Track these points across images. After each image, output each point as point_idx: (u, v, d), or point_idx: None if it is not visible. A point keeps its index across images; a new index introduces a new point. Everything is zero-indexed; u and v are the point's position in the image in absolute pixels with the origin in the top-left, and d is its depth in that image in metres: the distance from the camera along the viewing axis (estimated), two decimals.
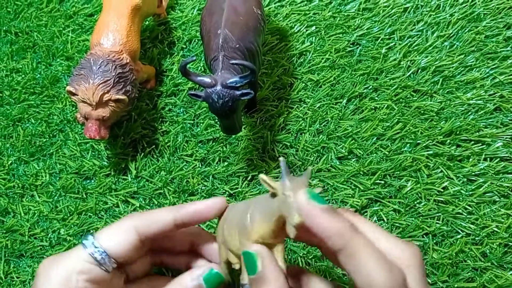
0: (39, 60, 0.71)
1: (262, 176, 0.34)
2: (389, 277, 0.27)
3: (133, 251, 0.41)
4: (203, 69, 0.67)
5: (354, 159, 0.61)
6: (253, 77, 0.49)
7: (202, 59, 0.68)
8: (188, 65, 0.65)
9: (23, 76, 0.70)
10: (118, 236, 0.41)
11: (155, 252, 0.47)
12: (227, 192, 0.60)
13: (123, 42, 0.58)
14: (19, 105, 0.68)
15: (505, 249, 0.54)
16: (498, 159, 0.59)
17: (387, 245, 0.32)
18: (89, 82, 0.54)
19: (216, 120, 0.64)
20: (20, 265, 0.58)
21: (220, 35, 0.52)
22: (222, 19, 0.53)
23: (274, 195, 0.34)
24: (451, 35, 0.68)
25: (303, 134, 0.62)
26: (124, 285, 0.44)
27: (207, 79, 0.50)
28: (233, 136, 0.63)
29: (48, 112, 0.67)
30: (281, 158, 0.34)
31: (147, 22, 0.72)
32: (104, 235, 0.41)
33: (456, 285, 0.53)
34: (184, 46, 0.70)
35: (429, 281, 0.53)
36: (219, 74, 0.50)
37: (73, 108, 0.67)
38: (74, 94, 0.55)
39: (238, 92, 0.49)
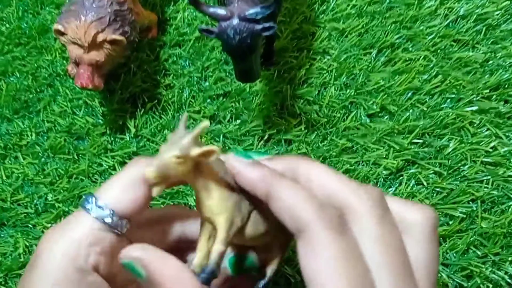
0: (26, 8, 0.63)
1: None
2: (318, 212, 0.24)
3: (145, 204, 0.32)
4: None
5: (387, 116, 0.53)
6: (276, 7, 0.41)
7: None
8: None
9: (7, 25, 0.62)
10: (125, 190, 0.31)
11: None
12: None
13: None
14: (2, 57, 0.60)
15: None
16: None
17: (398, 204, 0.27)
18: (81, 19, 0.46)
19: (227, 73, 0.56)
20: (1, 235, 0.50)
21: None
22: None
23: None
24: None
25: (327, 88, 0.54)
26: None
27: (221, 11, 0.41)
28: (248, 90, 0.55)
29: (36, 65, 0.59)
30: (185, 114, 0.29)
31: None
32: (108, 193, 0.31)
33: (510, 258, 0.45)
34: None
35: (479, 253, 0.46)
36: (236, 5, 0.42)
37: (64, 61, 0.59)
38: (62, 34, 0.46)
39: (258, 26, 0.41)
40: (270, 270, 0.32)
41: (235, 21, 0.41)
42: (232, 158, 0.28)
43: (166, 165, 0.27)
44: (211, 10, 0.42)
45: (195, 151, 0.26)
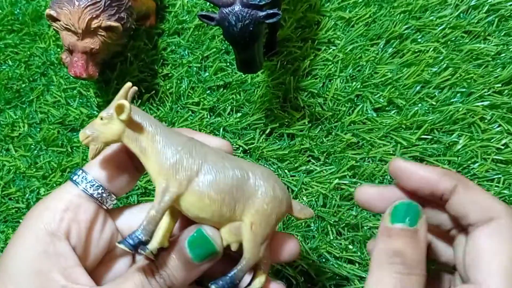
0: None
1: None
2: (506, 208, 0.27)
3: (133, 183, 0.33)
4: None
5: (394, 111, 0.50)
6: None
7: None
8: None
9: None
10: (115, 165, 0.32)
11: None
12: (241, 148, 0.50)
13: None
14: None
15: None
16: None
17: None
18: (74, 4, 0.43)
19: (228, 63, 0.54)
20: None
21: None
22: None
23: None
24: None
25: (332, 80, 0.52)
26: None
27: None
28: (249, 81, 0.52)
29: (29, 52, 0.56)
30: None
31: None
32: (97, 168, 0.31)
33: None
34: None
35: None
36: None
37: (58, 49, 0.56)
38: (55, 20, 0.44)
39: (261, 13, 0.39)
40: (258, 282, 0.30)
41: (237, 7, 0.39)
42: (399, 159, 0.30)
43: (93, 126, 0.28)
44: None
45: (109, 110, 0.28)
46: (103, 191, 0.31)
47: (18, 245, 0.29)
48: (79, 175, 0.31)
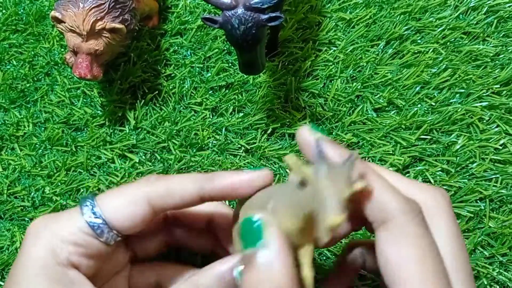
0: None
1: (289, 157, 0.27)
2: (404, 205, 0.25)
3: (142, 225, 0.31)
4: None
5: (394, 111, 0.51)
6: None
7: None
8: None
9: (3, 11, 0.60)
10: (126, 205, 0.30)
11: (169, 225, 0.37)
12: (243, 147, 0.50)
13: None
14: None
15: None
16: None
17: (408, 186, 0.27)
18: (79, 6, 0.44)
19: (230, 64, 0.54)
20: None
21: None
22: None
23: (303, 183, 0.25)
24: None
25: (333, 80, 0.53)
26: (129, 263, 0.35)
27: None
28: (251, 81, 0.53)
29: (33, 52, 0.57)
30: (319, 137, 0.28)
31: None
32: (109, 201, 0.30)
33: None
34: None
35: (486, 253, 0.45)
36: None
37: (62, 49, 0.57)
38: (60, 21, 0.45)
39: (264, 16, 0.40)
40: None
41: (240, 10, 0.39)
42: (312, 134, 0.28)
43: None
44: None
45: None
46: (107, 229, 0.29)
47: (24, 272, 0.28)
48: (88, 205, 0.30)
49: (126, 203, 0.30)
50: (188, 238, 0.37)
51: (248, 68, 0.43)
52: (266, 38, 0.44)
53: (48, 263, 0.28)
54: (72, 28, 0.44)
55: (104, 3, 0.44)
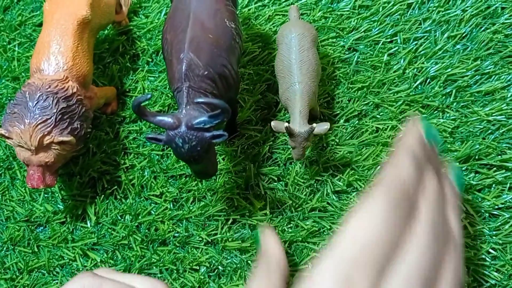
0: None
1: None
2: None
3: None
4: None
5: (355, 193, 0.51)
6: (225, 116, 0.39)
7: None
8: (143, 102, 0.54)
9: None
10: None
11: None
12: (204, 240, 0.50)
13: (68, 67, 0.47)
14: None
15: None
16: None
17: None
18: (25, 123, 0.44)
19: None
20: None
21: (183, 61, 0.41)
22: (186, 39, 0.42)
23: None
24: (464, 35, 0.58)
25: (293, 163, 0.52)
26: None
27: (168, 119, 0.39)
28: None
29: None
30: None
31: (106, 31, 0.61)
32: None
33: None
34: (150, 60, 0.59)
35: None
36: (184, 111, 0.40)
37: None
38: (7, 138, 0.44)
39: (208, 134, 0.39)
40: None
41: (183, 129, 0.39)
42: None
43: None
44: (158, 118, 0.39)
45: None
46: None
47: None
48: None
49: None
50: None
51: (200, 175, 0.43)
52: (215, 146, 0.44)
53: None
54: (20, 144, 0.44)
55: (50, 118, 0.44)
